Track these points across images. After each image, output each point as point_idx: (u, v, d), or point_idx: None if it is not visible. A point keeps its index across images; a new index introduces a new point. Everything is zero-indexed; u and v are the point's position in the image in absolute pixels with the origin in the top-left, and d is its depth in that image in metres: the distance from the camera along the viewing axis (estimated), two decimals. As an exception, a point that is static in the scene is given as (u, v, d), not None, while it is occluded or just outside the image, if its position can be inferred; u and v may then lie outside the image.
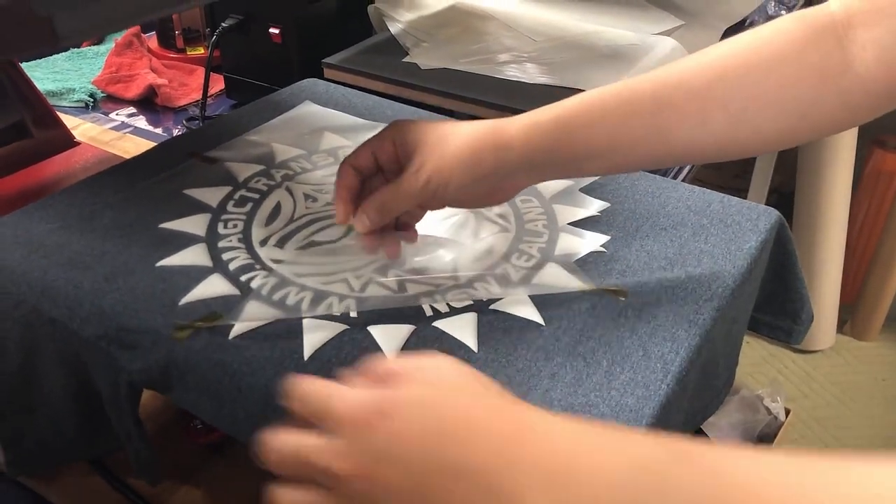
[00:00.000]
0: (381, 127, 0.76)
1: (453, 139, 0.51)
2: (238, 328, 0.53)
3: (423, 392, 0.35)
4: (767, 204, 0.70)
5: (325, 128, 0.78)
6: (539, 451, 0.32)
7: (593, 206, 0.68)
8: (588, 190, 0.70)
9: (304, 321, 0.54)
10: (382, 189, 0.52)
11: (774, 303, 0.70)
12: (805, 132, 0.50)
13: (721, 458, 0.29)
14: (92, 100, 1.20)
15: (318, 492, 0.35)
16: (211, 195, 0.67)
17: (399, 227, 0.57)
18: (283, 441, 0.36)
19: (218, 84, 1.22)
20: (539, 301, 0.57)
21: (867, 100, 0.48)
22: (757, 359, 1.56)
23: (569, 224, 0.66)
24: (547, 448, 0.32)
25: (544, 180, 0.56)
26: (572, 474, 0.31)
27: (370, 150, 0.54)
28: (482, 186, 0.52)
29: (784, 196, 1.77)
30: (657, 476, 0.29)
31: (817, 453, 0.28)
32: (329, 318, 0.55)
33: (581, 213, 0.67)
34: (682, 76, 0.50)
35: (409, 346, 0.53)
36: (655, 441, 0.31)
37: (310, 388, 0.37)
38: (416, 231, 0.58)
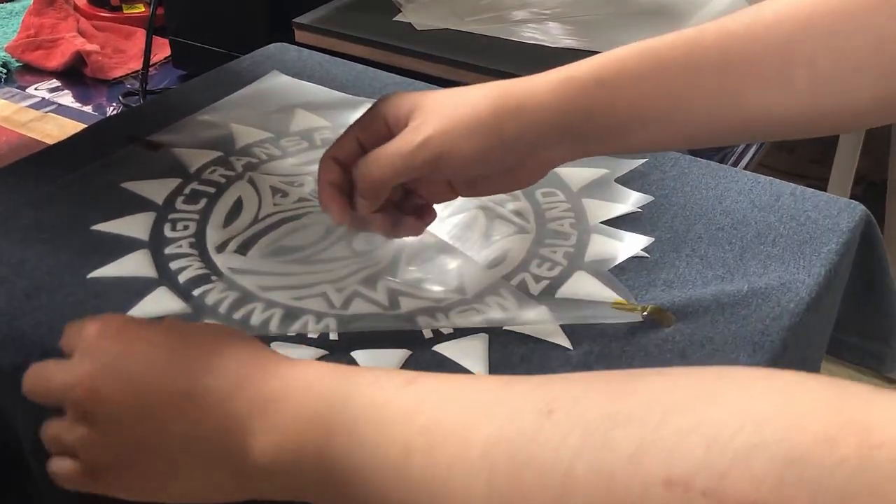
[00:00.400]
0: (367, 103, 0.77)
1: (463, 99, 0.52)
2: (190, 354, 0.54)
3: (173, 322, 0.47)
4: (853, 196, 0.71)
5: (296, 104, 0.79)
6: (264, 381, 0.42)
7: (632, 201, 0.69)
8: (625, 180, 0.71)
9: (272, 346, 0.55)
10: (371, 152, 0.53)
11: (860, 321, 0.71)
12: None
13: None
14: (4, 71, 1.21)
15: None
16: (155, 189, 0.68)
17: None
18: (35, 369, 0.47)
19: (162, 50, 1.23)
20: (566, 318, 0.58)
21: None
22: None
23: (602, 223, 0.66)
24: (269, 381, 0.43)
25: (580, 155, 0.55)
26: (281, 402, 0.41)
27: (354, 136, 0.55)
28: (502, 159, 0.53)
29: (873, 186, 1.78)
30: (339, 408, 0.40)
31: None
32: (304, 340, 0.55)
33: (617, 209, 0.67)
34: (755, 26, 0.50)
35: (403, 376, 0.53)
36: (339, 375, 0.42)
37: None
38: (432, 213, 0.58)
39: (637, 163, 0.73)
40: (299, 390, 0.42)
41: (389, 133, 0.54)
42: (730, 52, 0.50)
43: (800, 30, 0.49)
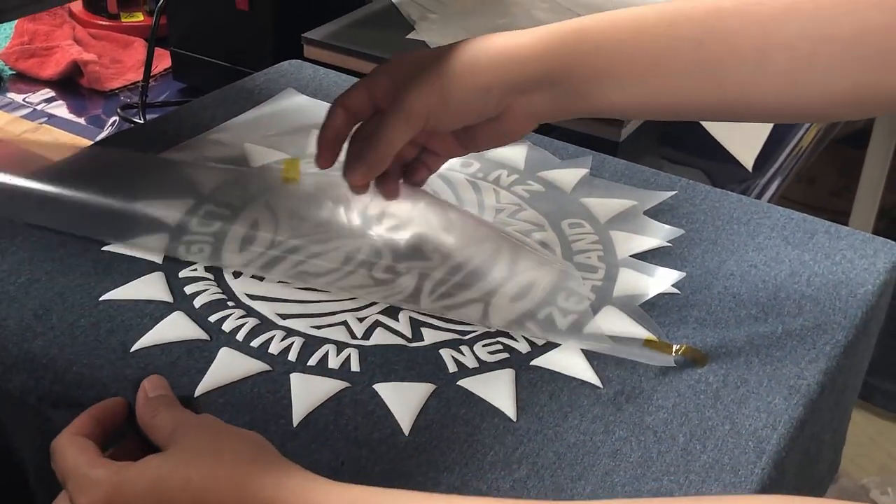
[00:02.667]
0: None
1: (457, 54, 0.57)
2: (206, 383, 0.55)
3: (157, 472, 0.46)
4: (876, 231, 0.73)
5: (313, 125, 0.81)
6: None
7: (662, 234, 0.70)
8: (654, 213, 0.73)
9: (293, 376, 0.56)
10: (376, 127, 0.58)
11: (895, 365, 0.72)
12: (886, 96, 0.52)
13: None
14: (-3, 79, 1.23)
15: None
16: (169, 210, 0.69)
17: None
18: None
19: (162, 61, 1.25)
20: (594, 355, 0.60)
21: None
22: (862, 437, 1.58)
23: (631, 256, 0.68)
24: None
25: (560, 110, 0.58)
26: None
27: (365, 87, 0.60)
28: (488, 104, 0.57)
29: (896, 222, 1.80)
30: None
31: None
32: (325, 371, 0.57)
33: (647, 243, 0.69)
34: (741, 4, 0.53)
35: (427, 409, 0.55)
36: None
37: (63, 453, 0.48)
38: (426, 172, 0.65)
39: (666, 195, 0.75)
40: None
41: (392, 85, 0.59)
42: (712, 24, 0.53)
43: (782, 11, 0.52)
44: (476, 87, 0.57)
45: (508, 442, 0.53)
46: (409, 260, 0.67)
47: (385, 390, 0.56)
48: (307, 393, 0.55)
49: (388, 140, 0.58)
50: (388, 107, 0.58)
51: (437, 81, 0.57)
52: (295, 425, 0.53)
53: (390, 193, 0.64)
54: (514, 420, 0.55)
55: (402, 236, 0.68)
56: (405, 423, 0.54)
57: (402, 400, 0.55)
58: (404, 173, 0.65)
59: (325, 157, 0.62)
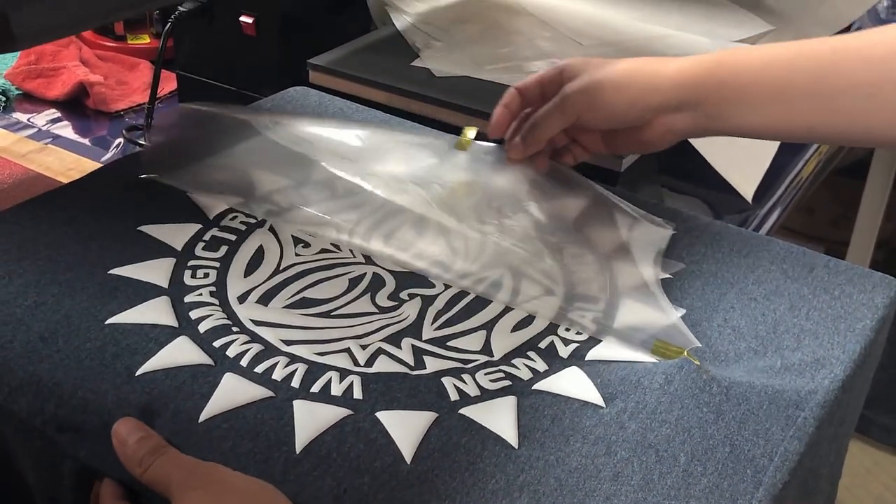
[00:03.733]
0: (389, 153, 0.79)
1: (615, 64, 0.68)
2: (210, 409, 0.56)
3: None
4: (874, 261, 0.74)
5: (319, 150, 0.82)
6: None
7: (663, 266, 0.71)
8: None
9: (296, 403, 0.57)
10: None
11: (893, 399, 0.73)
12: None
13: None
14: (4, 99, 1.23)
15: None
16: (174, 234, 0.70)
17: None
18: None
19: (168, 84, 1.26)
20: (597, 376, 0.61)
21: None
22: (858, 468, 1.58)
23: (633, 288, 0.69)
24: None
25: (695, 128, 0.68)
26: None
27: (538, 79, 0.72)
28: (629, 114, 0.68)
29: (895, 253, 1.81)
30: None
31: None
32: (328, 399, 0.57)
33: (649, 275, 0.70)
34: (861, 42, 0.62)
35: (429, 438, 0.55)
36: None
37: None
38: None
39: (668, 233, 0.75)
40: None
41: (561, 80, 0.70)
42: (831, 61, 0.62)
43: (892, 54, 0.61)
44: (623, 100, 0.67)
45: (510, 470, 0.54)
46: (411, 287, 0.68)
47: (387, 418, 0.56)
48: (310, 420, 0.55)
49: (544, 127, 0.70)
50: (552, 98, 0.70)
51: (593, 86, 0.67)
52: (298, 452, 0.53)
53: (539, 165, 0.75)
54: (516, 447, 0.55)
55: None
56: (407, 452, 0.54)
57: (405, 428, 0.56)
58: (553, 155, 0.76)
59: (494, 130, 0.74)
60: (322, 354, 0.61)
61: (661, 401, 0.58)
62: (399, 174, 0.75)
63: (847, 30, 1.31)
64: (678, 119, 0.68)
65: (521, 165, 0.75)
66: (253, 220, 0.73)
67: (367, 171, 0.75)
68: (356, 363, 0.60)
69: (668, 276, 0.70)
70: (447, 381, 0.60)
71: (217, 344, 0.61)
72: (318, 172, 0.79)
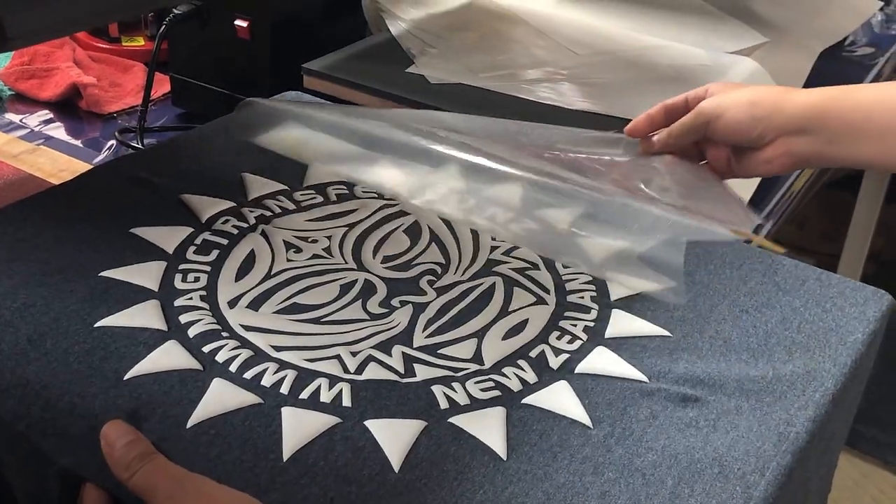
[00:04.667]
0: (383, 159, 0.79)
1: (750, 87, 0.73)
2: (198, 414, 0.55)
3: None
4: (865, 274, 0.74)
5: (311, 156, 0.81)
6: None
7: (655, 276, 0.70)
8: (650, 257, 0.73)
9: (284, 410, 0.56)
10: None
11: (882, 412, 0.73)
12: None
13: None
14: (-4, 99, 1.23)
15: None
16: (166, 237, 0.70)
17: None
18: None
19: (161, 86, 1.25)
20: (585, 395, 0.60)
21: None
22: (847, 480, 1.58)
23: (624, 298, 0.69)
24: None
25: (816, 156, 0.70)
26: None
27: (685, 96, 0.75)
28: (753, 131, 0.70)
29: (887, 266, 1.81)
30: None
31: None
32: (316, 406, 0.57)
33: (641, 285, 0.69)
34: None
35: (418, 447, 0.55)
36: None
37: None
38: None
39: (660, 238, 0.75)
40: None
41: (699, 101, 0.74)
42: None
43: None
44: (750, 116, 0.70)
45: (498, 481, 0.53)
46: (403, 294, 0.67)
47: (376, 427, 0.56)
48: (298, 428, 0.55)
49: (676, 131, 0.74)
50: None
51: (725, 101, 0.71)
52: (285, 460, 0.53)
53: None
54: (504, 459, 0.55)
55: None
56: (395, 460, 0.54)
57: (393, 436, 0.55)
58: None
59: (632, 131, 0.77)
60: (312, 361, 0.60)
61: (647, 431, 0.58)
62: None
63: (842, 43, 1.31)
64: (799, 142, 0.70)
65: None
66: (245, 225, 0.73)
67: (355, 180, 0.75)
68: (346, 370, 0.60)
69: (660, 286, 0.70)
70: (437, 390, 0.59)
71: (206, 349, 0.60)
72: (309, 178, 0.79)
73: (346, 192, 0.78)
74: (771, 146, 0.71)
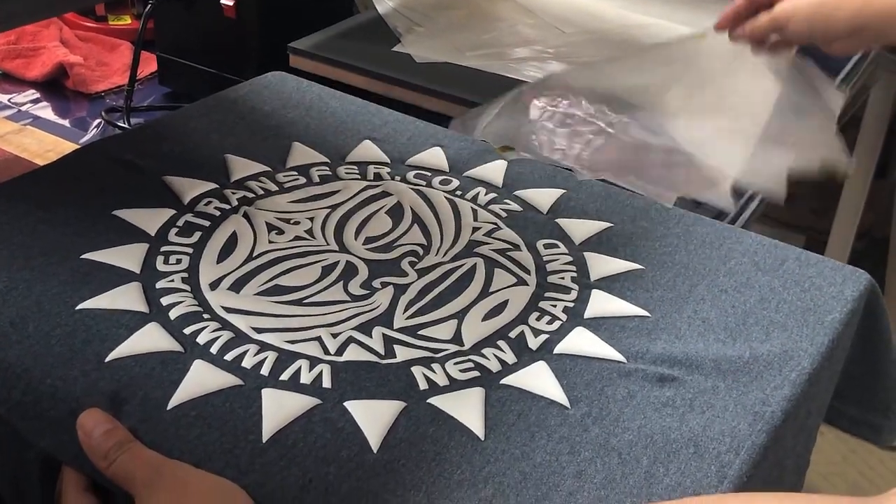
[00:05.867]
0: (367, 141, 0.79)
1: None
2: (179, 396, 0.56)
3: None
4: (854, 251, 0.75)
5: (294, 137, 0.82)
6: None
7: (635, 257, 0.71)
8: (629, 236, 0.74)
9: (265, 391, 0.57)
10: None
11: (860, 391, 0.74)
12: None
13: None
14: (-18, 79, 1.23)
15: None
16: (148, 219, 0.70)
17: None
18: None
19: (148, 65, 1.25)
20: (563, 375, 0.61)
21: None
22: (834, 456, 1.60)
23: (604, 278, 0.69)
24: None
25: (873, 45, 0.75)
26: None
27: None
28: (814, 37, 0.75)
29: (877, 242, 1.81)
30: None
31: None
32: (297, 387, 0.57)
33: (621, 266, 0.70)
34: None
35: (397, 427, 0.55)
36: None
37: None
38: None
39: (640, 218, 0.76)
40: None
41: None
42: None
43: None
44: (809, 24, 0.73)
45: (476, 461, 0.54)
46: (384, 276, 0.68)
47: (355, 408, 0.56)
48: (278, 409, 0.55)
49: (756, 34, 0.76)
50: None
51: (797, 5, 0.74)
52: (264, 441, 0.53)
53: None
54: (482, 439, 0.55)
55: None
56: (374, 441, 0.54)
57: (372, 417, 0.56)
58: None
59: (720, 24, 0.79)
60: (293, 342, 0.61)
61: (624, 411, 0.58)
62: None
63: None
64: (853, 42, 0.75)
65: None
66: (227, 207, 0.73)
67: (339, 161, 0.75)
68: (326, 351, 0.60)
69: (640, 266, 0.70)
70: (416, 371, 0.60)
71: (188, 331, 0.61)
72: (292, 159, 0.79)
73: (329, 173, 0.78)
74: (836, 44, 0.76)
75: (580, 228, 0.74)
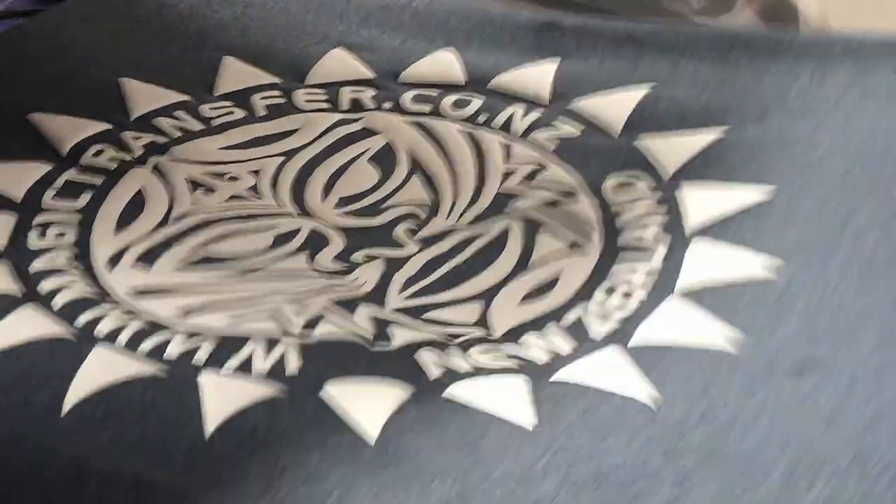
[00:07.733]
0: (336, 51, 0.94)
1: None
2: (78, 390, 0.67)
3: None
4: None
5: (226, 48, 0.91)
6: None
7: (757, 186, 0.80)
8: (747, 153, 0.82)
9: (202, 377, 0.69)
10: None
11: None
12: None
13: None
14: None
15: None
16: (13, 178, 0.82)
17: None
18: None
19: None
20: (650, 369, 0.72)
21: None
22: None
23: (710, 224, 0.78)
24: None
25: None
26: None
27: None
28: None
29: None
30: None
31: None
32: (250, 375, 0.69)
33: (734, 200, 0.79)
34: None
35: (403, 421, 0.68)
36: None
37: None
38: None
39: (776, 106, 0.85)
40: None
41: None
42: None
43: None
44: None
45: (525, 454, 0.66)
46: (370, 247, 0.80)
47: (339, 392, 0.68)
48: (221, 397, 0.67)
49: None
50: None
51: None
52: (207, 438, 0.65)
53: None
54: (530, 430, 0.67)
55: None
56: (369, 435, 0.66)
57: (366, 407, 0.68)
58: None
59: None
60: (241, 319, 0.73)
61: (743, 411, 0.69)
62: None
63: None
64: None
65: None
66: (127, 157, 0.85)
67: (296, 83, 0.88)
68: (289, 326, 0.72)
69: (765, 197, 0.80)
70: (425, 356, 0.72)
71: (81, 320, 0.73)
72: (224, 82, 0.92)
73: (282, 101, 0.89)
74: None
75: (674, 149, 0.82)
